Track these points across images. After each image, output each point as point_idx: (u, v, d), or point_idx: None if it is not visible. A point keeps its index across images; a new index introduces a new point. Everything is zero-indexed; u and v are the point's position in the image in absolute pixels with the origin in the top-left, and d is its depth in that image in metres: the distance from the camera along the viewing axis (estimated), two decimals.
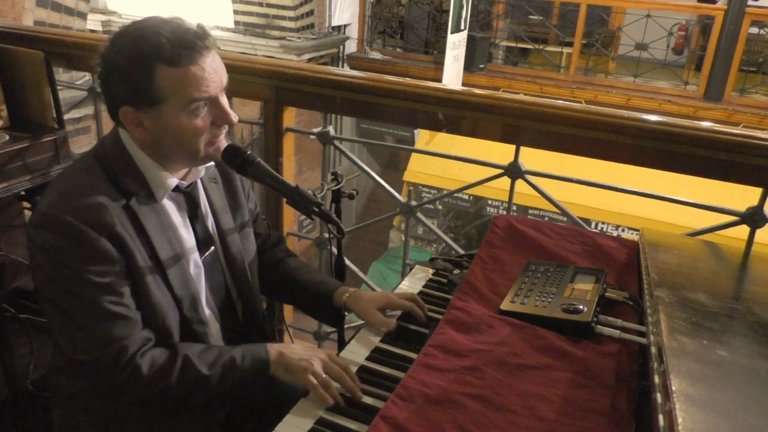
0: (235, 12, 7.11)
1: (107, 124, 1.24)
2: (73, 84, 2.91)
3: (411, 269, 1.65)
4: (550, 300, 1.30)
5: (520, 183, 1.91)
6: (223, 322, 1.35)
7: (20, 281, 2.21)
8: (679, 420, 0.70)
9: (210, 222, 1.33)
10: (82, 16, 4.08)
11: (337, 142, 2.14)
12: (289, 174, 2.14)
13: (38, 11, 3.70)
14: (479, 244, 1.59)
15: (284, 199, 1.36)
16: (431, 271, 1.61)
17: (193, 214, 1.29)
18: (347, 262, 1.77)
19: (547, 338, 1.21)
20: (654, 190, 1.83)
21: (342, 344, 1.39)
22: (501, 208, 7.26)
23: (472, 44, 7.10)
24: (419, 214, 2.14)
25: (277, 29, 6.97)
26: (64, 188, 1.15)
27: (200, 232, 1.30)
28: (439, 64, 7.00)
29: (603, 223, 6.46)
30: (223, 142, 1.23)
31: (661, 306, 1.02)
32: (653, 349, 0.93)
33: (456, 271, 1.55)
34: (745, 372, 0.88)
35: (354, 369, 1.20)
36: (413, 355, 1.23)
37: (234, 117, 1.20)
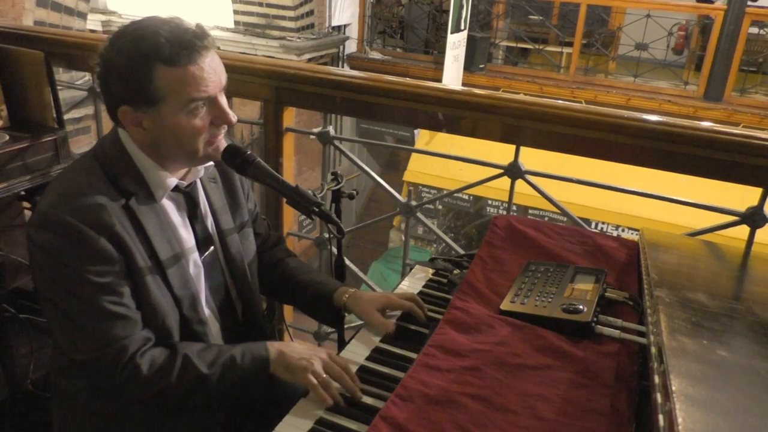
0: (235, 12, 7.11)
1: (107, 124, 1.24)
2: (73, 84, 2.92)
3: (411, 269, 1.65)
4: (550, 300, 1.30)
5: (520, 183, 1.91)
6: (223, 321, 1.35)
7: (20, 281, 2.21)
8: (679, 420, 0.70)
9: (209, 222, 1.33)
10: (82, 16, 4.08)
11: (337, 142, 2.14)
12: (289, 174, 2.14)
13: (38, 11, 3.70)
14: (479, 244, 1.59)
15: (284, 199, 1.36)
16: (431, 271, 1.61)
17: (193, 214, 1.29)
18: (347, 262, 1.77)
19: (547, 338, 1.21)
20: (654, 190, 1.83)
21: (342, 344, 1.39)
22: (501, 208, 7.26)
23: (472, 44, 7.10)
24: (419, 214, 2.14)
25: (277, 29, 6.97)
26: (64, 188, 1.15)
27: (200, 232, 1.30)
28: (439, 64, 7.00)
29: (603, 223, 6.46)
30: (222, 142, 1.22)
31: (661, 306, 1.02)
32: (653, 349, 0.93)
33: (456, 271, 1.55)
34: (745, 372, 0.88)
35: (354, 369, 1.20)
36: (413, 355, 1.23)
37: (233, 117, 1.20)
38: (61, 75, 3.21)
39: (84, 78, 3.38)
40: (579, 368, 1.13)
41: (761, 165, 1.55)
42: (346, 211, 2.12)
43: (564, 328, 1.23)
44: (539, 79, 7.17)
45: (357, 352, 1.27)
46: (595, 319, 1.23)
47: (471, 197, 7.56)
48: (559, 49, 7.51)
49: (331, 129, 2.12)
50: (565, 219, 2.74)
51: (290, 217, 2.23)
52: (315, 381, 1.14)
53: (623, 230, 6.44)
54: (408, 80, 1.88)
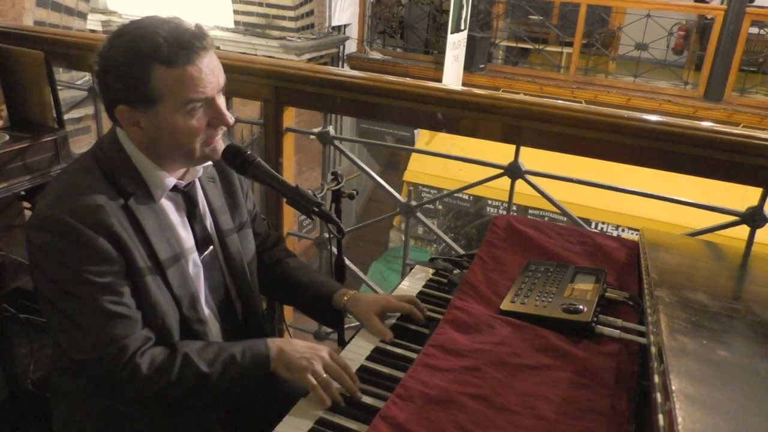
0: (235, 12, 7.12)
1: (107, 124, 1.24)
2: (73, 84, 2.91)
3: (411, 269, 1.64)
4: (550, 300, 1.30)
5: (520, 183, 1.91)
6: (223, 321, 1.35)
7: (20, 281, 2.21)
8: (679, 420, 0.70)
9: (208, 221, 1.33)
10: (82, 16, 4.08)
11: (337, 142, 2.14)
12: (289, 174, 2.14)
13: (38, 11, 3.69)
14: (479, 244, 1.59)
15: (284, 199, 1.35)
16: (431, 271, 1.61)
17: (192, 214, 1.29)
18: (347, 262, 1.77)
19: (547, 338, 1.21)
20: (654, 190, 1.83)
21: (342, 344, 1.39)
22: (501, 208, 7.26)
23: (472, 44, 7.10)
24: (419, 214, 2.14)
25: (277, 29, 6.97)
26: (63, 189, 1.15)
27: (199, 232, 1.30)
28: (439, 64, 7.00)
29: (603, 223, 6.46)
30: (220, 143, 1.22)
31: (661, 306, 1.02)
32: (653, 349, 0.93)
33: (456, 271, 1.55)
34: (745, 372, 0.88)
35: (354, 369, 1.20)
36: (413, 355, 1.23)
37: (230, 118, 1.20)
38: (61, 75, 3.21)
39: (84, 78, 3.38)
40: (579, 368, 1.13)
41: (761, 165, 1.55)
42: (346, 211, 2.12)
43: (564, 328, 1.23)
44: (539, 79, 7.17)
45: (357, 352, 1.27)
46: (595, 319, 1.23)
47: (471, 197, 7.57)
48: (559, 49, 7.51)
49: (331, 129, 2.12)
50: (565, 219, 2.74)
51: (290, 217, 2.23)
52: (314, 381, 1.13)
53: (623, 230, 6.44)
54: (408, 80, 1.88)
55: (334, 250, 1.52)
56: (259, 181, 1.30)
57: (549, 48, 7.55)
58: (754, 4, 6.48)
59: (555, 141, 1.74)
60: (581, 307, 1.25)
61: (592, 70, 7.33)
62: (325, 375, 1.15)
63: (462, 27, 6.83)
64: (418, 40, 8.06)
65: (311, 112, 5.69)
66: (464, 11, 6.80)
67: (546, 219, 6.03)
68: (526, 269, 1.45)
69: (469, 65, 7.17)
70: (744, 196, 1.67)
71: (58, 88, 2.10)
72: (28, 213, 2.24)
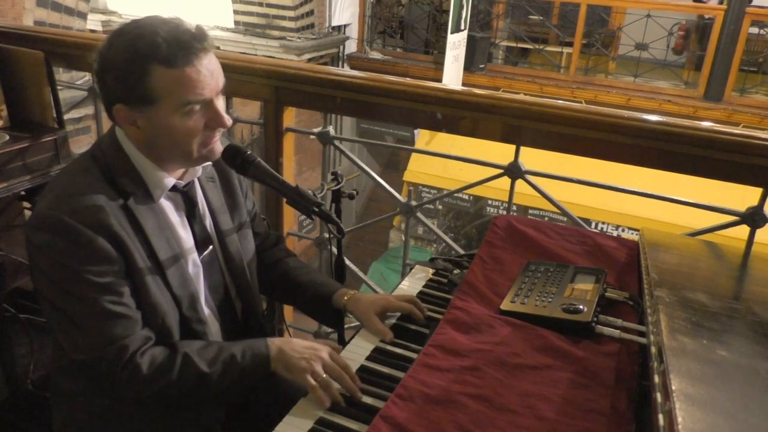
0: (235, 12, 7.12)
1: (107, 124, 1.24)
2: (73, 84, 2.91)
3: (411, 269, 1.64)
4: (550, 300, 1.30)
5: (520, 183, 1.91)
6: (223, 321, 1.35)
7: (20, 281, 2.21)
8: (679, 419, 0.70)
9: (208, 221, 1.33)
10: (82, 16, 4.08)
11: (337, 142, 2.14)
12: (289, 174, 2.14)
13: (38, 11, 3.69)
14: (479, 244, 1.59)
15: (284, 199, 1.36)
16: (431, 271, 1.61)
17: (191, 214, 1.29)
18: (347, 262, 1.77)
19: (547, 338, 1.21)
20: (654, 190, 1.83)
21: (342, 344, 1.39)
22: (501, 208, 7.26)
23: (472, 44, 7.10)
24: (419, 214, 2.14)
25: (277, 29, 6.97)
26: (62, 189, 1.15)
27: (198, 232, 1.30)
28: (439, 64, 7.00)
29: (603, 223, 6.46)
30: (218, 144, 1.22)
31: (661, 306, 1.02)
32: (653, 349, 0.93)
33: (456, 271, 1.55)
34: (745, 372, 0.88)
35: (354, 369, 1.20)
36: (413, 355, 1.23)
37: (228, 120, 1.19)
38: (61, 75, 3.21)
39: (84, 78, 3.38)
40: (579, 368, 1.13)
41: (761, 165, 1.55)
42: (346, 211, 2.12)
43: (564, 328, 1.23)
44: (539, 79, 7.17)
45: (357, 352, 1.27)
46: (595, 319, 1.23)
47: (471, 197, 7.57)
48: (559, 49, 7.51)
49: (331, 129, 2.12)
50: (565, 219, 2.74)
51: (290, 217, 2.23)
52: (314, 382, 1.13)
53: (623, 230, 6.44)
54: (408, 80, 1.88)
55: (334, 250, 1.52)
56: (259, 181, 1.30)
57: (549, 48, 7.55)
58: (754, 4, 6.47)
59: (555, 141, 1.74)
60: (581, 307, 1.25)
61: (592, 70, 7.33)
62: (324, 375, 1.15)
63: (462, 27, 6.83)
64: (418, 40, 8.06)
65: (311, 112, 5.69)
66: (464, 11, 6.80)
67: (546, 219, 6.03)
68: (526, 269, 1.45)
69: (469, 65, 7.17)
70: (744, 196, 1.67)
71: (58, 88, 2.10)
72: (28, 213, 2.24)
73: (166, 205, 1.24)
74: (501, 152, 1.94)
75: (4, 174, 1.85)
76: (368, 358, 1.25)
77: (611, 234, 5.38)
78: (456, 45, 6.76)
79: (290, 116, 2.11)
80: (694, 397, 0.75)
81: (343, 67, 7.69)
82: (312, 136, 2.13)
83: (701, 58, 6.72)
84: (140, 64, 1.09)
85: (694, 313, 1.02)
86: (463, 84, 6.87)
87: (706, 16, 6.95)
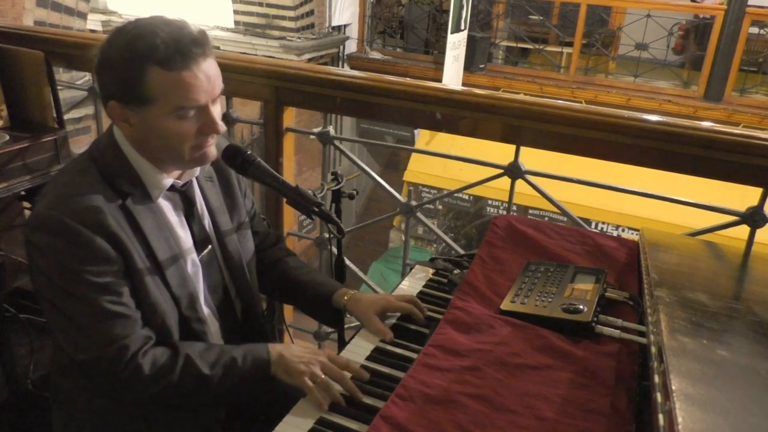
0: (235, 12, 7.11)
1: (107, 124, 1.24)
2: (73, 84, 2.91)
3: (411, 269, 1.65)
4: (550, 300, 1.30)
5: (520, 183, 1.91)
6: (222, 320, 1.35)
7: (20, 281, 2.21)
8: (679, 419, 0.70)
9: (207, 221, 1.33)
10: (82, 16, 4.08)
11: (337, 142, 2.14)
12: (289, 174, 2.14)
13: (38, 11, 3.69)
14: (479, 244, 1.59)
15: (284, 199, 1.36)
16: (431, 271, 1.61)
17: (189, 213, 1.29)
18: (347, 262, 1.77)
19: (547, 338, 1.21)
20: (654, 190, 1.83)
21: (342, 344, 1.40)
22: (501, 208, 7.26)
23: (472, 44, 7.10)
24: (419, 214, 2.14)
25: (277, 29, 6.97)
26: (61, 190, 1.15)
27: (197, 231, 1.30)
28: (439, 64, 7.00)
29: (603, 223, 6.46)
30: (211, 148, 1.21)
31: (661, 306, 1.02)
32: (653, 349, 0.93)
33: (456, 271, 1.55)
34: (745, 372, 0.88)
35: (356, 366, 1.20)
36: (413, 355, 1.23)
37: (221, 127, 1.18)
38: (61, 75, 3.21)
39: (84, 78, 3.38)
40: (579, 368, 1.13)
41: (761, 165, 1.55)
42: (346, 211, 2.12)
43: (564, 328, 1.23)
44: (539, 79, 7.17)
45: (357, 352, 1.27)
46: (595, 318, 1.23)
47: (471, 197, 7.57)
48: (559, 49, 7.50)
49: (331, 129, 2.12)
50: (565, 219, 2.74)
51: (290, 217, 2.23)
52: (311, 384, 1.14)
53: (623, 230, 6.44)
54: (408, 80, 1.88)
55: (334, 250, 1.52)
56: (259, 181, 1.30)
57: (549, 48, 7.55)
58: (755, 4, 6.47)
59: (555, 141, 1.74)
60: (581, 307, 1.25)
61: (592, 70, 7.33)
62: (324, 377, 1.15)
63: (462, 27, 6.83)
64: (418, 40, 8.06)
65: (311, 112, 5.69)
66: (464, 11, 6.80)
67: (546, 219, 6.03)
68: (526, 269, 1.45)
69: (469, 65, 7.16)
70: (744, 196, 1.67)
71: (58, 88, 2.10)
72: (28, 213, 2.24)
73: (165, 204, 1.24)
74: (501, 152, 1.94)
75: (4, 174, 1.85)
76: (368, 358, 1.25)
77: (611, 234, 5.38)
78: (456, 45, 6.76)
79: (290, 116, 2.11)
80: (694, 397, 0.75)
81: (343, 67, 7.69)
82: (312, 136, 2.13)
83: (698, 59, 6.71)
84: (137, 63, 1.09)
85: (694, 313, 1.02)
86: (463, 84, 6.87)
87: (701, 16, 6.95)
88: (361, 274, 2.38)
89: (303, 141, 6.54)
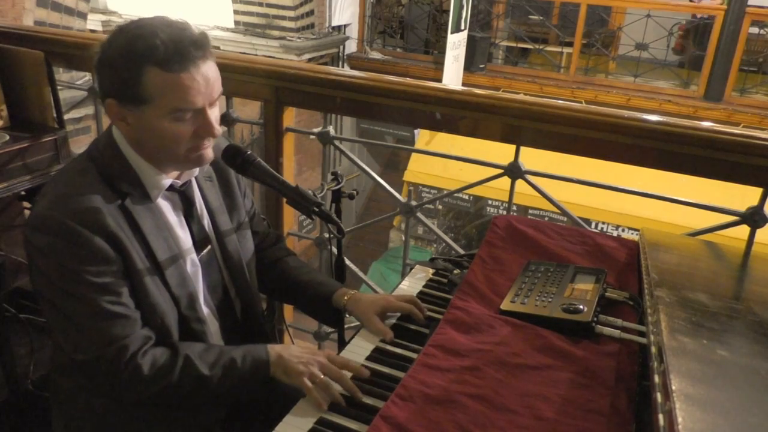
0: (235, 12, 7.12)
1: (107, 124, 1.24)
2: (73, 84, 2.91)
3: (411, 269, 1.64)
4: (550, 300, 1.30)
5: (520, 183, 1.91)
6: (222, 320, 1.35)
7: (20, 281, 2.21)
8: (679, 419, 0.70)
9: (206, 221, 1.33)
10: (82, 16, 4.08)
11: (337, 142, 2.14)
12: (289, 174, 2.14)
13: (38, 11, 3.70)
14: (479, 244, 1.59)
15: (284, 199, 1.36)
16: (431, 271, 1.61)
17: (189, 213, 1.29)
18: (347, 262, 1.77)
19: (547, 338, 1.21)
20: (654, 190, 1.83)
21: (342, 344, 1.40)
22: (501, 208, 7.26)
23: (472, 44, 7.10)
24: (419, 214, 2.14)
25: (277, 29, 6.97)
26: (60, 190, 1.15)
27: (196, 231, 1.30)
28: (439, 64, 7.00)
29: (603, 223, 6.46)
30: (208, 151, 1.21)
31: (661, 306, 1.02)
32: (653, 349, 0.93)
33: (456, 271, 1.55)
34: (745, 372, 0.88)
35: (356, 365, 1.20)
36: (413, 355, 1.23)
37: (218, 131, 1.18)
38: (61, 75, 3.21)
39: (84, 78, 3.38)
40: (579, 368, 1.13)
41: (761, 165, 1.55)
42: (346, 211, 2.12)
43: (564, 328, 1.23)
44: (539, 79, 7.17)
45: (357, 352, 1.27)
46: (595, 318, 1.23)
47: (471, 197, 7.57)
48: (559, 49, 7.50)
49: (331, 129, 2.12)
50: (565, 219, 2.74)
51: (290, 217, 2.23)
52: (310, 384, 1.14)
53: (623, 230, 6.44)
54: (408, 80, 1.88)
55: (334, 250, 1.52)
56: (259, 181, 1.30)
57: (549, 48, 7.55)
58: (754, 4, 6.47)
59: (555, 141, 1.74)
60: (581, 307, 1.25)
61: (592, 70, 7.33)
62: (323, 377, 1.15)
63: (462, 27, 6.83)
64: (418, 40, 8.06)
65: (311, 112, 5.69)
66: (464, 11, 6.80)
67: (546, 219, 6.03)
68: (526, 269, 1.45)
69: (469, 65, 7.16)
70: (744, 195, 1.67)
71: (58, 88, 2.10)
72: (28, 213, 2.24)
73: (164, 204, 1.24)
74: (501, 152, 1.94)
75: (4, 174, 1.85)
76: (368, 358, 1.25)
77: (611, 234, 5.38)
78: (456, 45, 6.76)
79: (290, 116, 2.11)
80: (694, 397, 0.75)
81: (343, 67, 7.69)
82: (312, 136, 2.13)
83: (700, 58, 6.72)
84: (136, 63, 1.09)
85: (694, 313, 1.02)
86: (463, 84, 6.87)
87: (698, 16, 6.95)
88: (361, 274, 2.38)
89: (303, 141, 6.54)
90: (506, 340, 1.21)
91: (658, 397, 0.80)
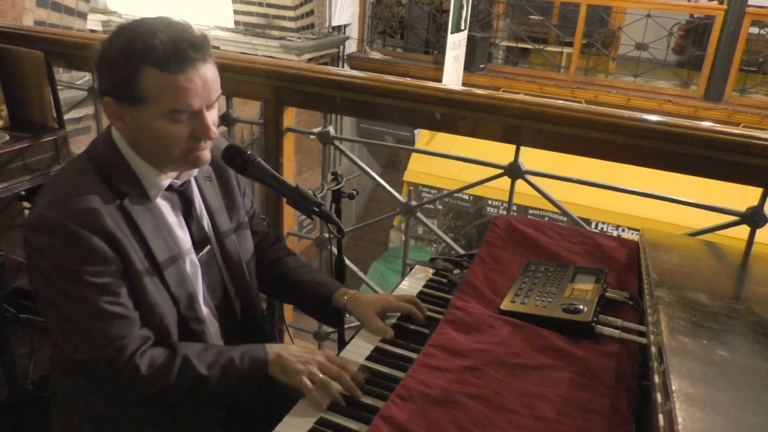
0: (235, 12, 7.12)
1: (107, 125, 1.24)
2: (73, 84, 2.91)
3: (411, 269, 1.64)
4: (550, 300, 1.30)
5: (520, 183, 1.91)
6: (222, 320, 1.35)
7: (20, 281, 2.20)
8: (679, 419, 0.70)
9: (206, 221, 1.33)
10: (82, 16, 4.08)
11: (337, 142, 2.14)
12: (289, 174, 2.14)
13: (38, 11, 3.70)
14: (479, 244, 1.59)
15: (284, 199, 1.36)
16: (431, 271, 1.61)
17: (188, 213, 1.29)
18: (347, 262, 1.77)
19: (547, 338, 1.21)
20: (654, 190, 1.83)
21: (342, 344, 1.39)
22: (501, 208, 7.26)
23: (472, 44, 7.10)
24: (419, 214, 2.14)
25: (277, 29, 6.97)
26: (59, 190, 1.15)
27: (195, 231, 1.29)
28: (439, 64, 7.00)
29: (603, 223, 6.46)
30: (205, 152, 1.20)
31: (661, 306, 1.02)
32: (653, 349, 0.93)
33: (456, 271, 1.54)
34: (745, 372, 0.88)
35: (354, 369, 1.20)
36: (413, 355, 1.23)
37: (214, 133, 1.18)
38: (61, 75, 3.21)
39: (84, 78, 3.38)
40: (579, 368, 1.13)
41: (761, 165, 1.55)
42: (346, 211, 2.12)
43: (564, 328, 1.23)
44: (539, 79, 7.17)
45: (357, 352, 1.27)
46: (595, 318, 1.23)
47: (471, 197, 7.57)
48: (559, 49, 7.50)
49: (331, 129, 2.12)
50: (565, 219, 2.74)
51: (290, 217, 2.23)
52: (309, 384, 1.13)
53: (623, 230, 6.44)
54: (408, 80, 1.88)
55: (334, 250, 1.52)
56: (259, 181, 1.30)
57: (549, 48, 7.55)
58: (754, 4, 6.47)
59: (555, 141, 1.74)
60: (581, 307, 1.25)
61: (592, 70, 7.33)
62: (322, 376, 1.15)
63: (462, 27, 6.83)
64: (418, 40, 8.06)
65: (311, 112, 5.69)
66: (464, 11, 6.80)
67: (546, 219, 6.03)
68: (526, 269, 1.45)
69: (469, 65, 7.16)
70: (744, 196, 1.67)
71: (58, 88, 2.10)
72: (27, 213, 2.24)
73: (163, 204, 1.24)
74: (501, 152, 1.94)
75: (4, 174, 1.85)
76: (368, 358, 1.25)
77: (611, 234, 5.38)
78: (456, 45, 6.76)
79: (290, 116, 2.11)
80: (694, 397, 0.75)
81: (343, 67, 7.69)
82: (312, 136, 2.13)
83: (700, 58, 6.72)
84: (134, 63, 1.09)
85: (694, 313, 1.02)
86: (463, 84, 6.87)
87: (696, 16, 6.95)
88: (361, 274, 2.38)
89: (303, 141, 6.54)
90: (506, 340, 1.21)
91: (658, 397, 0.80)
